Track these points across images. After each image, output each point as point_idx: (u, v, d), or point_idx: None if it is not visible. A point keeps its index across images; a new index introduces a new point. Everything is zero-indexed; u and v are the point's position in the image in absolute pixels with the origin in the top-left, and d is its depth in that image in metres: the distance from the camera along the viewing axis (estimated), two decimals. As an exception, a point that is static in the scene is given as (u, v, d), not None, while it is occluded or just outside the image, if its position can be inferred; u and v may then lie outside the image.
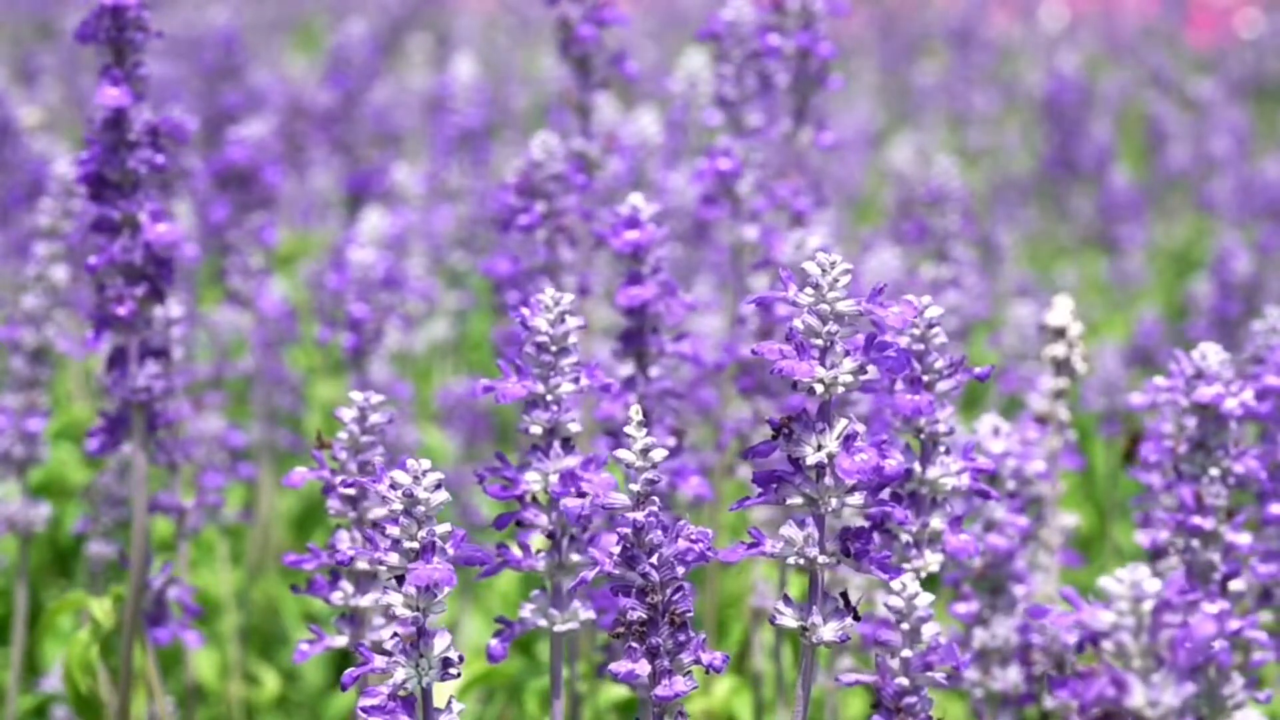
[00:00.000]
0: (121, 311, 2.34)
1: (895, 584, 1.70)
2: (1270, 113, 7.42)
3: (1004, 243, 5.35)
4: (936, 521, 1.98)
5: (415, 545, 1.74)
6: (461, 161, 4.49)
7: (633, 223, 2.35)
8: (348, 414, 2.06)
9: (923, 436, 1.98)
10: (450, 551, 1.74)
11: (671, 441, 2.42)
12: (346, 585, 2.10)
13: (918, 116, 7.32)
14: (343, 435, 2.06)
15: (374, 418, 2.06)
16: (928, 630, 1.70)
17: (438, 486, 1.74)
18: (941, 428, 1.99)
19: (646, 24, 8.31)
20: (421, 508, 1.74)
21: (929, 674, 1.70)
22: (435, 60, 6.80)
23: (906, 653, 1.70)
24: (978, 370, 1.98)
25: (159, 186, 2.39)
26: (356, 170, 5.09)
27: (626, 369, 2.39)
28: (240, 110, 5.07)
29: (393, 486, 1.73)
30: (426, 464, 1.74)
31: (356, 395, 2.06)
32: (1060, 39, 8.95)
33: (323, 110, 5.38)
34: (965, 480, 1.97)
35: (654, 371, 2.39)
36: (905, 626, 1.70)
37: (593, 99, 2.98)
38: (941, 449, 1.99)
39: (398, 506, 1.73)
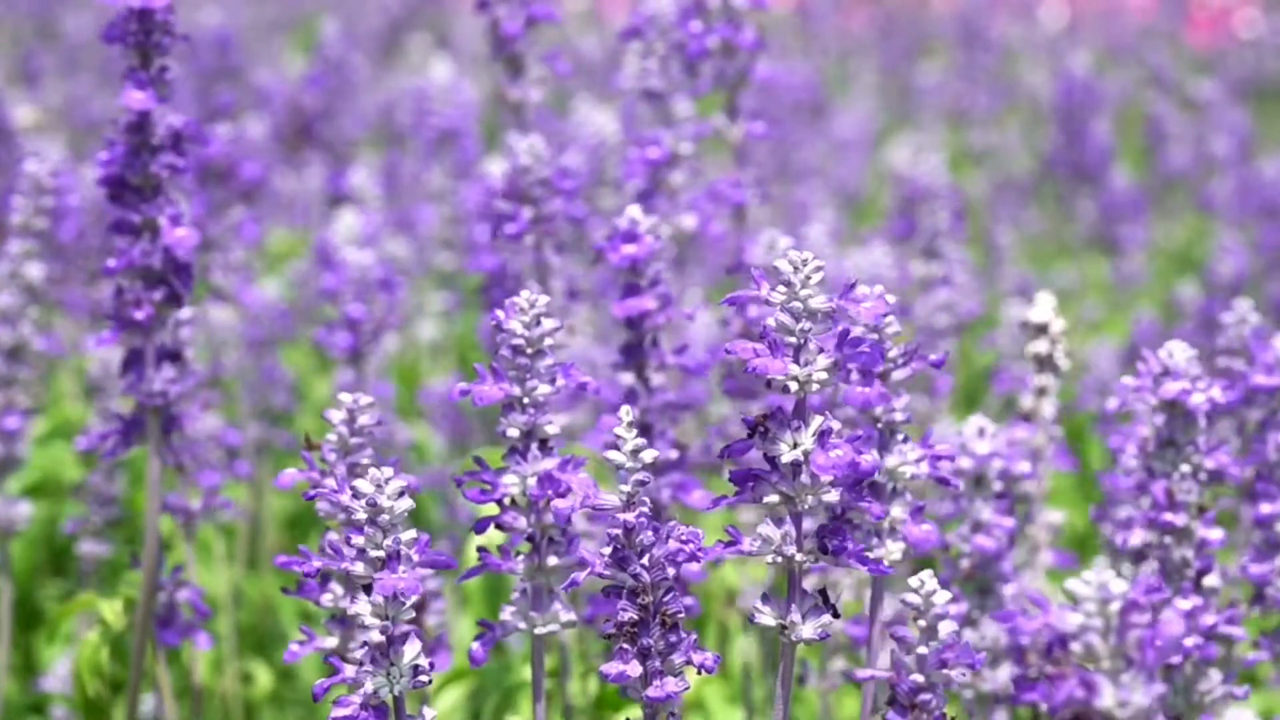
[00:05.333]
0: (139, 315, 2.34)
1: (913, 580, 1.70)
2: (1270, 113, 7.41)
3: (1004, 243, 5.35)
4: (897, 510, 1.99)
5: (380, 554, 1.73)
6: (443, 162, 4.49)
7: (630, 237, 2.33)
8: (336, 415, 2.06)
9: (880, 425, 1.99)
10: (415, 558, 1.74)
11: (674, 454, 2.40)
12: (337, 587, 2.10)
13: (918, 116, 7.32)
14: (331, 437, 2.06)
15: (362, 419, 2.06)
16: (944, 627, 1.69)
17: (401, 494, 1.73)
18: (899, 416, 1.99)
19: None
20: (385, 516, 1.73)
21: (944, 671, 1.70)
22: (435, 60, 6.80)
23: (923, 649, 1.69)
24: (933, 357, 1.99)
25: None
26: (337, 169, 5.10)
27: (627, 381, 2.38)
28: (229, 109, 5.08)
29: (355, 495, 1.73)
30: (389, 472, 1.74)
31: (345, 396, 2.06)
32: (1060, 39, 8.94)
33: (303, 111, 5.39)
34: (925, 468, 1.98)
35: (655, 383, 2.38)
36: (922, 623, 1.69)
37: (527, 96, 2.98)
38: (900, 437, 2.00)
39: (361, 516, 1.73)
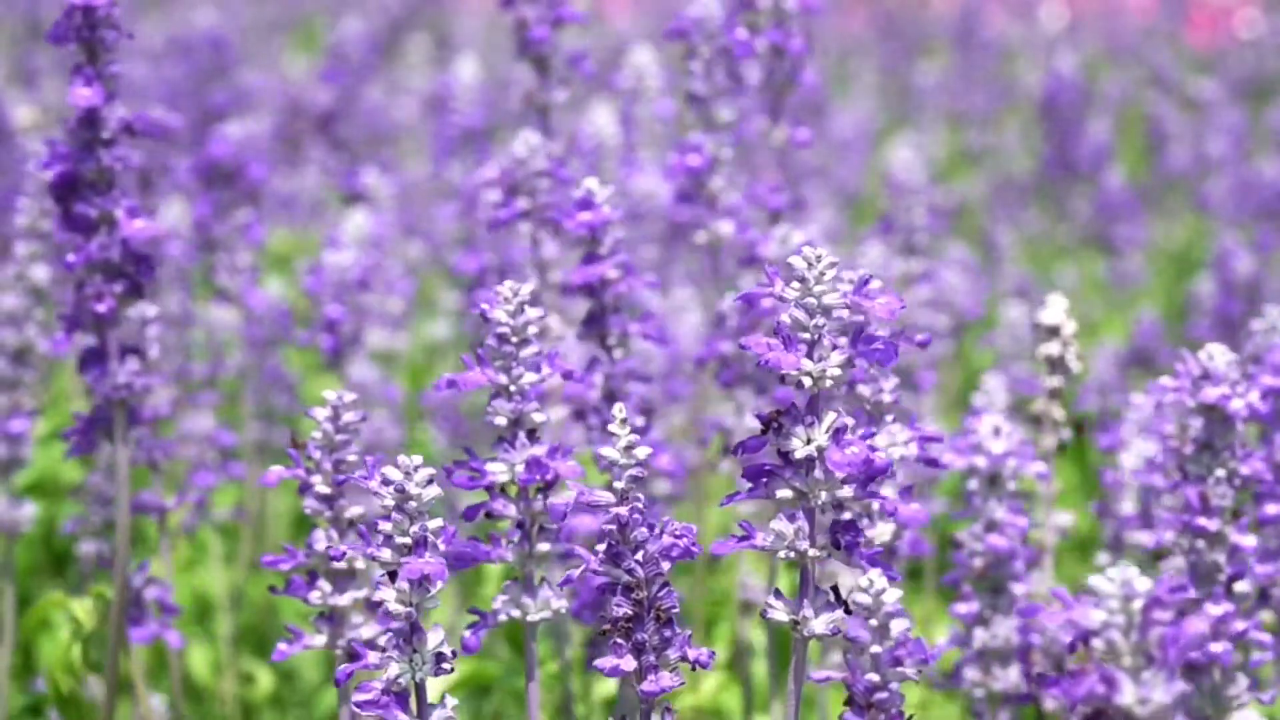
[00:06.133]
0: (101, 309, 2.33)
1: (862, 580, 1.69)
2: (1270, 113, 7.41)
3: (1003, 243, 5.35)
4: (887, 491, 1.98)
5: (408, 541, 1.74)
6: (464, 161, 4.49)
7: (586, 204, 2.32)
8: (321, 413, 2.05)
9: (868, 407, 1.99)
10: (442, 547, 1.75)
11: (640, 420, 2.40)
12: (324, 584, 2.09)
13: (918, 116, 7.31)
14: (316, 434, 2.06)
15: (347, 416, 2.05)
16: (896, 625, 1.69)
17: (429, 482, 1.74)
18: (886, 397, 2.01)
19: (645, 25, 8.30)
20: (413, 503, 1.74)
21: (899, 669, 1.70)
22: (435, 60, 6.79)
23: (876, 648, 1.69)
24: (919, 337, 1.99)
25: (144, 185, 2.38)
26: (353, 168, 5.10)
27: (590, 351, 2.38)
28: (228, 109, 5.07)
29: (384, 482, 1.74)
30: (418, 459, 1.75)
31: (330, 393, 2.06)
32: (1060, 39, 8.94)
33: (319, 109, 5.39)
34: (913, 449, 1.99)
35: (618, 353, 2.38)
36: (874, 622, 1.69)
37: (553, 98, 2.97)
38: (888, 418, 2.01)
39: (389, 502, 1.74)
